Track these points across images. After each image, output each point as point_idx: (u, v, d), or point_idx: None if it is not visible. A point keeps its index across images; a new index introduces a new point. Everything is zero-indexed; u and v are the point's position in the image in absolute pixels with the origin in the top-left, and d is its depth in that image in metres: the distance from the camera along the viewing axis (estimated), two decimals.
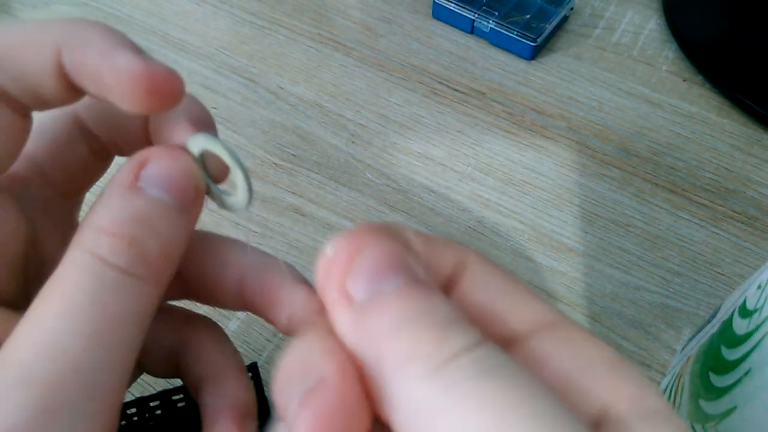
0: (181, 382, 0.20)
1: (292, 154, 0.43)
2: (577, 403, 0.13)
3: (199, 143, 0.17)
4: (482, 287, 0.15)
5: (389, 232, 0.14)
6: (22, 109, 0.17)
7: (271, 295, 0.18)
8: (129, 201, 0.15)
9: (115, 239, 0.15)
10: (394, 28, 0.50)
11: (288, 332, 0.18)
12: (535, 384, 0.11)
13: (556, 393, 0.12)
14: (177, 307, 0.20)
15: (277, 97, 0.46)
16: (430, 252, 0.15)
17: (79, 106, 0.18)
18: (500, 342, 0.14)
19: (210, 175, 0.17)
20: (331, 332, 0.13)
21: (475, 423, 0.11)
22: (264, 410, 0.29)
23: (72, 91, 0.16)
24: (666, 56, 0.47)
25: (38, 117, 0.17)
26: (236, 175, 0.17)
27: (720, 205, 0.40)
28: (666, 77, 0.46)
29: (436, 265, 0.15)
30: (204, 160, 0.17)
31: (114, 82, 0.15)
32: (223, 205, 0.18)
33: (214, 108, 0.45)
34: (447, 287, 0.15)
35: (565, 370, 0.13)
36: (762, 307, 0.21)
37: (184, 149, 0.17)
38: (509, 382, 0.11)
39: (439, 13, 0.49)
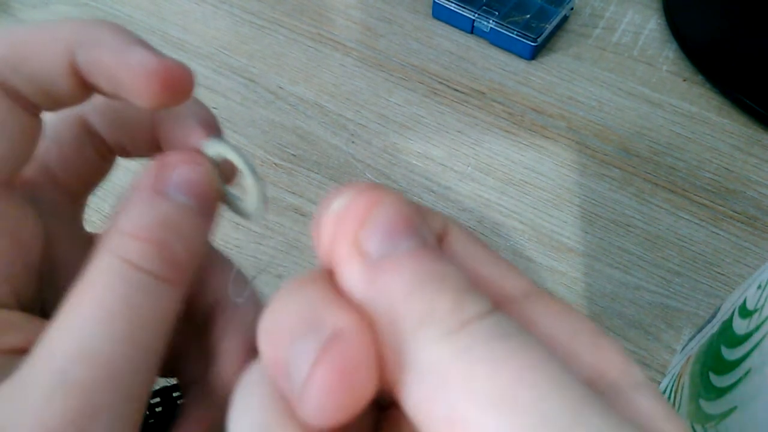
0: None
1: (292, 154, 0.43)
2: (569, 366, 0.13)
3: (213, 148, 0.17)
4: (466, 254, 0.14)
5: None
6: (34, 109, 0.17)
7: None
8: (155, 206, 0.16)
9: (144, 244, 0.15)
10: (394, 28, 0.50)
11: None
12: (546, 350, 0.11)
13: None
14: None
15: (277, 97, 0.46)
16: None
17: (86, 108, 0.18)
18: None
19: (222, 180, 0.18)
20: (334, 285, 0.13)
21: (490, 384, 0.11)
22: None
23: (84, 89, 0.17)
24: (666, 56, 0.47)
25: (45, 120, 0.17)
26: (248, 182, 0.17)
27: (720, 205, 0.40)
28: (666, 77, 0.46)
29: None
30: (217, 165, 0.17)
31: (128, 78, 0.16)
32: (236, 210, 0.18)
33: (215, 108, 0.45)
34: None
35: (554, 335, 0.13)
36: (762, 307, 0.21)
37: (203, 154, 0.17)
38: (524, 347, 0.11)
39: (439, 13, 0.49)
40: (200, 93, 0.46)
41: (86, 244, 0.19)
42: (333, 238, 0.13)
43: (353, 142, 0.43)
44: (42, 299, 0.18)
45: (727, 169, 0.41)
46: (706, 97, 0.45)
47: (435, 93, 0.46)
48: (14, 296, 0.17)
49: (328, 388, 0.11)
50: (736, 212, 0.40)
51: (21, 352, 0.15)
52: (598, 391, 0.12)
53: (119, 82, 0.16)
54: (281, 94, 0.46)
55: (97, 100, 0.18)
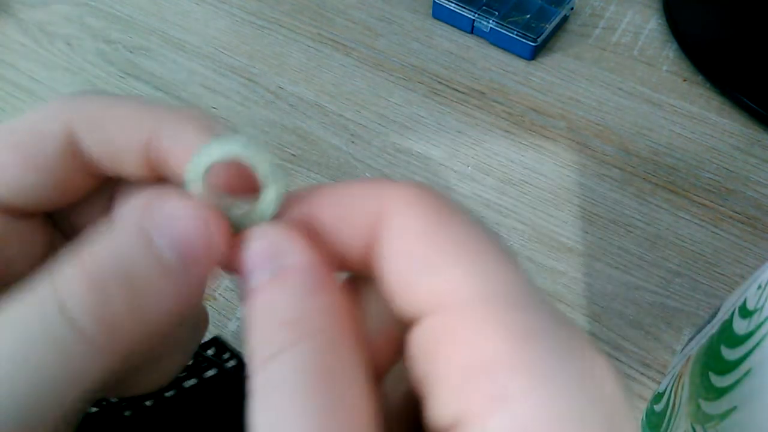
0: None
1: (292, 154, 0.43)
2: (433, 407, 0.12)
3: (220, 150, 0.15)
4: (398, 248, 0.13)
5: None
6: (87, 168, 0.17)
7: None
8: (125, 243, 0.13)
9: (86, 286, 0.13)
10: (394, 28, 0.50)
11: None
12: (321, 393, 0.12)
13: (426, 388, 0.13)
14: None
15: (277, 97, 0.46)
16: (344, 205, 0.14)
17: (75, 118, 0.16)
18: (406, 315, 0.13)
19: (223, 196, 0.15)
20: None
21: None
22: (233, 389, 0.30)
23: (149, 170, 0.16)
24: (666, 56, 0.47)
25: (29, 137, 0.16)
26: (266, 186, 0.15)
27: (720, 205, 0.40)
28: (666, 77, 0.46)
29: (351, 221, 0.14)
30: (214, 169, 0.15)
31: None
32: (239, 226, 0.15)
33: (214, 108, 0.45)
34: (368, 242, 0.14)
35: (436, 366, 0.12)
36: (762, 307, 0.21)
37: (207, 203, 0.15)
38: (305, 392, 0.12)
39: (439, 13, 0.49)
40: (200, 93, 0.46)
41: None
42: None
43: (353, 142, 0.43)
44: None
45: (727, 169, 0.41)
46: (706, 97, 0.45)
47: (435, 93, 0.46)
48: None
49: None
50: (736, 212, 0.40)
51: None
52: None
53: (177, 175, 0.16)
54: (281, 94, 0.46)
55: (88, 110, 0.16)
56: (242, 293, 0.14)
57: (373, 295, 0.15)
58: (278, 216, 0.15)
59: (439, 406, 0.12)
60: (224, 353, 0.28)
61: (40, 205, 0.17)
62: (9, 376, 0.12)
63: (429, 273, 0.13)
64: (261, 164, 0.15)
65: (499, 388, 0.11)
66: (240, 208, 0.15)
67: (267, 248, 0.14)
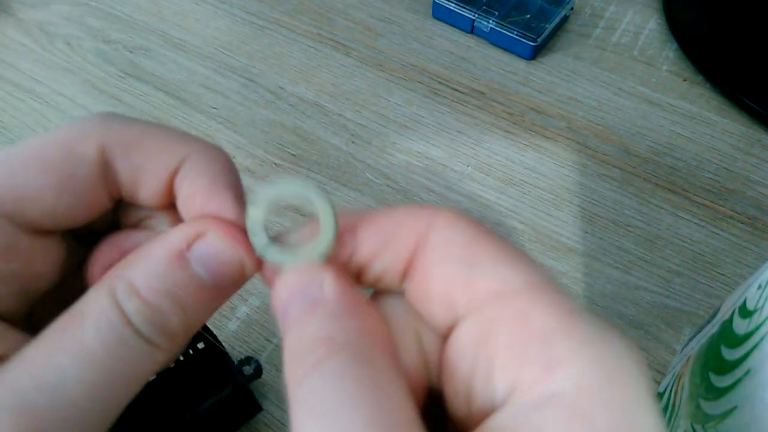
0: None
1: (292, 154, 0.43)
2: (491, 383, 0.14)
3: (289, 191, 0.16)
4: (442, 257, 0.15)
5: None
6: (114, 191, 0.17)
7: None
8: (171, 272, 0.16)
9: (145, 306, 0.15)
10: (394, 28, 0.50)
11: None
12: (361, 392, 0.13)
13: (482, 371, 0.14)
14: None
15: (277, 97, 0.46)
16: (386, 228, 0.16)
17: (110, 139, 0.17)
18: (453, 315, 0.15)
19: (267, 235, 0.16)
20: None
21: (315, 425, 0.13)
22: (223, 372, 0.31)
23: (167, 199, 0.17)
24: (666, 56, 0.47)
25: (65, 159, 0.17)
26: (322, 227, 0.16)
27: (720, 205, 0.40)
28: (666, 77, 0.46)
29: (393, 245, 0.16)
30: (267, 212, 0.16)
31: (200, 213, 0.17)
32: (279, 265, 0.16)
33: (214, 108, 0.45)
34: (409, 261, 0.16)
35: (491, 348, 0.14)
36: (762, 307, 0.20)
37: (242, 228, 0.16)
38: (341, 401, 0.13)
39: (439, 13, 0.49)
40: (200, 93, 0.46)
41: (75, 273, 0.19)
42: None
43: (353, 142, 0.43)
44: (30, 315, 0.17)
45: (727, 169, 0.41)
46: (706, 97, 0.45)
47: (435, 93, 0.46)
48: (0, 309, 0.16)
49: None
50: (736, 212, 0.40)
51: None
52: (504, 408, 0.13)
53: (195, 212, 0.17)
54: (281, 94, 0.46)
55: (122, 135, 0.17)
56: (280, 326, 0.15)
57: (396, 309, 0.17)
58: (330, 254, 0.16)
59: (494, 382, 0.14)
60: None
61: (67, 225, 0.17)
62: (93, 383, 0.14)
63: (479, 272, 0.15)
64: (322, 208, 0.16)
65: (554, 353, 0.13)
66: (294, 248, 0.16)
67: (300, 283, 0.15)
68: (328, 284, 0.15)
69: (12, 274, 0.16)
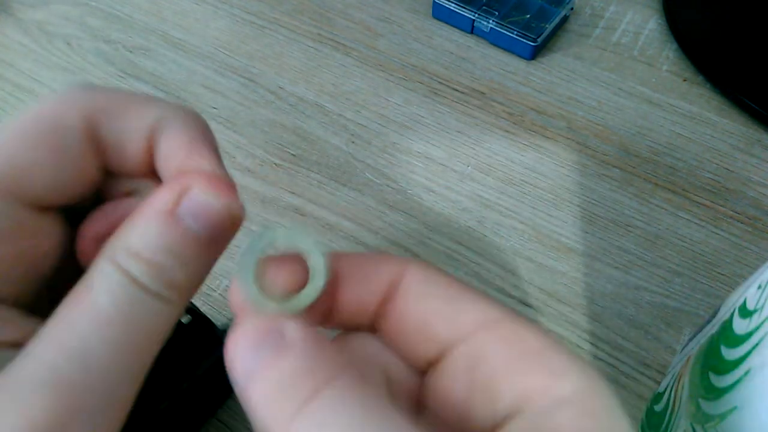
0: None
1: (292, 154, 0.43)
2: (494, 398, 0.15)
3: (280, 240, 0.16)
4: (421, 297, 0.17)
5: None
6: (99, 160, 0.18)
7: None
8: (165, 230, 0.16)
9: (148, 266, 0.16)
10: (394, 28, 0.50)
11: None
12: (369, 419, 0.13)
13: (481, 390, 0.15)
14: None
15: (277, 97, 0.46)
16: (362, 270, 0.17)
17: (95, 109, 0.17)
18: (439, 347, 0.16)
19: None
20: None
21: None
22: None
23: (147, 165, 0.18)
24: (666, 56, 0.47)
25: (55, 131, 0.17)
26: (314, 278, 0.16)
27: (720, 205, 0.40)
28: (666, 77, 0.46)
29: (370, 283, 0.17)
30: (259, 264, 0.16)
31: (186, 177, 0.17)
32: (261, 312, 0.16)
33: (214, 108, 0.45)
34: (385, 301, 0.17)
35: (489, 368, 0.15)
36: (762, 307, 0.21)
37: (224, 178, 0.17)
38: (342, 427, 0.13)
39: (439, 13, 0.49)
40: (200, 93, 0.46)
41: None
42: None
43: (353, 142, 0.43)
44: (39, 300, 0.18)
45: (727, 169, 0.41)
46: (706, 97, 0.45)
47: (435, 93, 0.46)
48: (11, 295, 0.17)
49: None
50: (736, 212, 0.40)
51: (15, 346, 0.15)
52: (516, 417, 0.15)
53: (174, 172, 0.17)
54: (281, 94, 0.46)
55: (104, 101, 0.18)
56: (239, 380, 0.15)
57: (363, 348, 0.18)
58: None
59: (498, 397, 0.15)
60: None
61: (65, 200, 0.17)
62: (116, 342, 0.15)
63: (460, 307, 0.16)
64: (316, 262, 0.16)
65: (555, 364, 0.15)
66: (281, 297, 0.16)
67: (262, 330, 0.15)
68: (292, 329, 0.15)
69: (21, 255, 0.17)
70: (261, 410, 0.14)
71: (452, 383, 0.16)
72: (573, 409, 0.14)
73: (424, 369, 0.17)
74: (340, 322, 0.18)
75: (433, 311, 0.16)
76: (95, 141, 0.17)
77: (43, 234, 0.17)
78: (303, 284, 0.16)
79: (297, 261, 0.17)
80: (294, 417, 0.13)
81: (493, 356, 0.16)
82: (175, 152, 0.17)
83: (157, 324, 0.16)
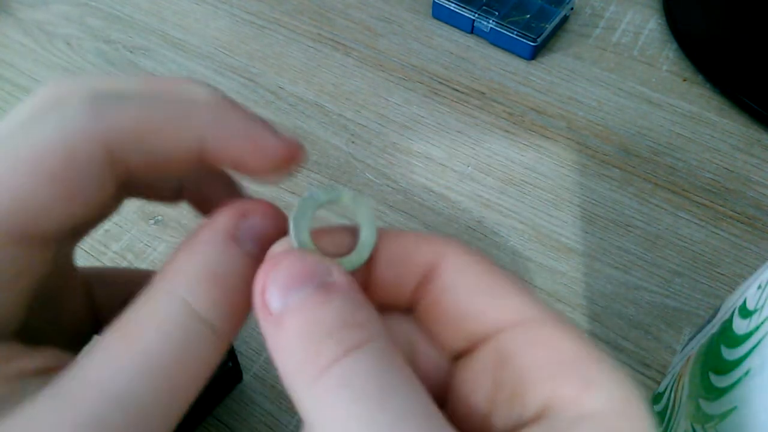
0: None
1: None
2: (521, 400, 0.15)
3: (329, 197, 0.16)
4: (458, 284, 0.16)
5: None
6: (124, 175, 0.16)
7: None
8: (227, 253, 0.16)
9: (211, 293, 0.15)
10: (394, 28, 0.50)
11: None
12: (400, 389, 0.13)
13: (507, 389, 0.15)
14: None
15: (277, 97, 0.46)
16: (401, 249, 0.16)
17: (114, 128, 0.15)
18: (470, 339, 0.16)
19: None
20: None
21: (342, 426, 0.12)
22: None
23: (199, 165, 0.17)
24: (666, 56, 0.47)
25: (68, 165, 0.15)
26: (362, 235, 0.16)
27: (720, 205, 0.40)
28: (666, 77, 0.46)
29: (408, 263, 0.16)
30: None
31: (256, 162, 0.16)
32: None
33: None
34: (422, 283, 0.16)
35: (518, 368, 0.15)
36: (762, 307, 0.20)
37: (277, 209, 0.17)
38: (371, 390, 0.13)
39: (439, 13, 0.49)
40: None
41: (72, 273, 0.18)
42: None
43: (353, 142, 0.43)
44: (27, 325, 0.17)
45: (727, 169, 0.41)
46: (706, 97, 0.45)
47: (435, 93, 0.46)
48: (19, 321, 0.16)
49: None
50: (736, 212, 0.40)
51: (43, 372, 0.15)
52: (541, 422, 0.14)
53: (242, 163, 0.16)
54: (281, 94, 0.46)
55: (130, 120, 0.15)
56: (274, 317, 0.14)
57: (394, 327, 0.17)
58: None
59: (525, 399, 0.15)
60: None
61: (73, 228, 0.16)
62: (162, 388, 0.14)
63: (495, 302, 0.16)
64: (366, 229, 0.16)
65: (589, 374, 0.14)
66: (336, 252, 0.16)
67: (307, 265, 0.14)
68: (339, 273, 0.15)
69: (22, 290, 0.16)
70: (290, 350, 0.13)
71: (479, 378, 0.16)
72: (596, 424, 0.14)
73: (453, 358, 0.17)
74: (375, 300, 0.16)
75: (467, 302, 0.16)
76: (117, 167, 0.15)
77: (50, 261, 0.16)
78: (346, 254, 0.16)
79: (347, 232, 0.16)
80: (328, 367, 0.13)
81: (524, 357, 0.15)
82: (232, 149, 0.16)
83: (208, 361, 0.15)
